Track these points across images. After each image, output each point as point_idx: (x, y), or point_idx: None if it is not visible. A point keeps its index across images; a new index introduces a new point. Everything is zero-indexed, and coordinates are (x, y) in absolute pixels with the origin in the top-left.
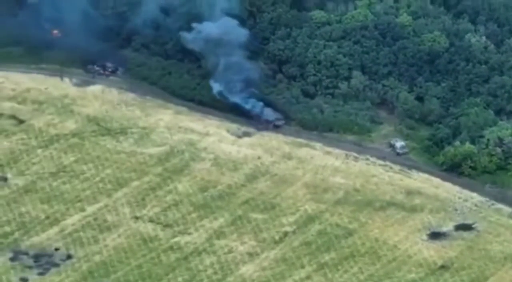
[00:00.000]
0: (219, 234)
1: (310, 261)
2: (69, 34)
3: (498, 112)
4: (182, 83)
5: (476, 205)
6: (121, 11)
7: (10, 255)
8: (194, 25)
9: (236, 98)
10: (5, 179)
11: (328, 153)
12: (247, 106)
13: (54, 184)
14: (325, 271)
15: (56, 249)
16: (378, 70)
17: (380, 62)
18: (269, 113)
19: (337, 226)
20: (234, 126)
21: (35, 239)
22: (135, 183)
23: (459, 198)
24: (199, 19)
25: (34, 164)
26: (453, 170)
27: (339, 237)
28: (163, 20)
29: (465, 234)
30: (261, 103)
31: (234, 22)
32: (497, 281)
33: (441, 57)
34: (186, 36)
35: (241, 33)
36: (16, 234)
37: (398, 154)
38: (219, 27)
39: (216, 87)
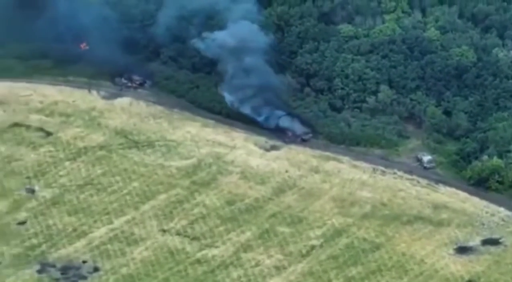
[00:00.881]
0: (246, 247)
1: (337, 275)
2: (97, 47)
3: None
4: (210, 96)
5: (503, 220)
6: (148, 24)
7: (38, 267)
8: (204, 34)
9: (245, 109)
10: (32, 191)
11: (355, 166)
12: (260, 119)
13: (82, 196)
14: None
15: (84, 262)
16: (406, 85)
17: (407, 76)
18: (287, 122)
19: (364, 240)
20: (261, 139)
21: (63, 252)
22: (163, 196)
23: (486, 212)
24: None
25: (61, 176)
26: (480, 185)
27: (366, 251)
28: (190, 33)
29: (492, 248)
30: (279, 112)
31: (253, 26)
32: None
33: (469, 72)
34: (199, 44)
35: (259, 39)
36: (44, 247)
37: (425, 168)
38: (233, 34)
39: (227, 97)
